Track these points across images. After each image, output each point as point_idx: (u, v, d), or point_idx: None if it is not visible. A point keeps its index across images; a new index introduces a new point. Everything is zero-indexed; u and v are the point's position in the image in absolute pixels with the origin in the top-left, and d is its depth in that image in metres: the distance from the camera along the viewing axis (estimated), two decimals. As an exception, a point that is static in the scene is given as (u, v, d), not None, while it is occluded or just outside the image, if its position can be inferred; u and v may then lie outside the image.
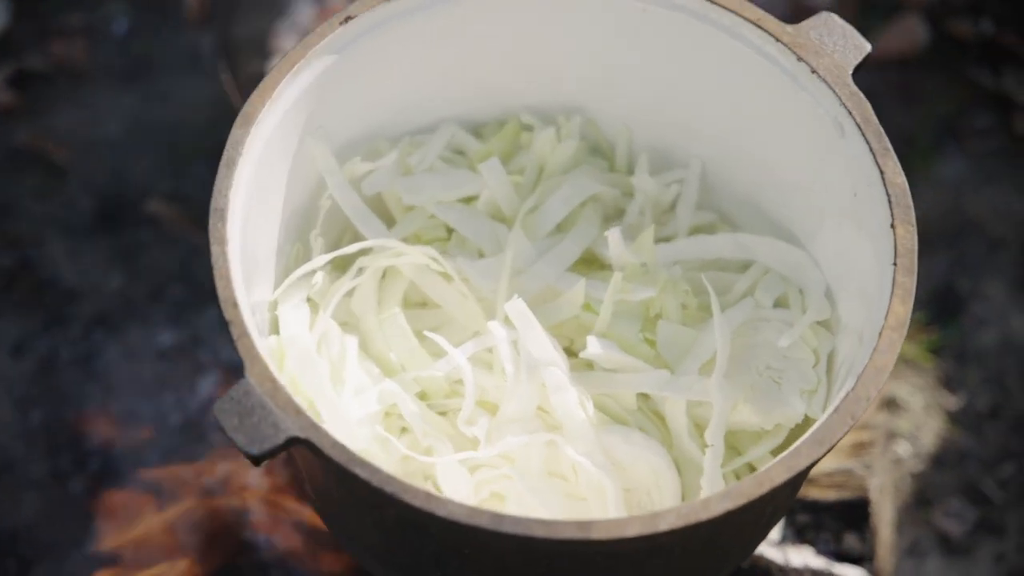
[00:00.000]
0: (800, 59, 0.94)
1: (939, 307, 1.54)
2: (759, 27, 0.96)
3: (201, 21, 1.71)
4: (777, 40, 0.95)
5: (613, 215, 1.08)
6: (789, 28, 0.96)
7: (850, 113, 0.92)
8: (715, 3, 0.97)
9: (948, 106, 1.68)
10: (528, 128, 1.08)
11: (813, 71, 0.94)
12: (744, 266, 1.03)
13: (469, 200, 1.04)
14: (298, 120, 0.95)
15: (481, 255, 1.02)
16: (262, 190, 0.93)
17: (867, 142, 0.91)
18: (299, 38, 1.50)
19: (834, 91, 0.93)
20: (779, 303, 0.99)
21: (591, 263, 1.04)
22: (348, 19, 0.96)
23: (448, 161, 1.06)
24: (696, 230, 1.07)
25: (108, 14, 1.74)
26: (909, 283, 0.84)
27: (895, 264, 0.85)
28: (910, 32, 1.69)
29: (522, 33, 1.02)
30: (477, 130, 1.09)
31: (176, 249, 1.57)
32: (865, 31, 1.70)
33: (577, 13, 1.01)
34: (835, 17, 0.96)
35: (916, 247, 0.86)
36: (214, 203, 0.87)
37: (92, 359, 1.49)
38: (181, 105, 1.67)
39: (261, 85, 0.92)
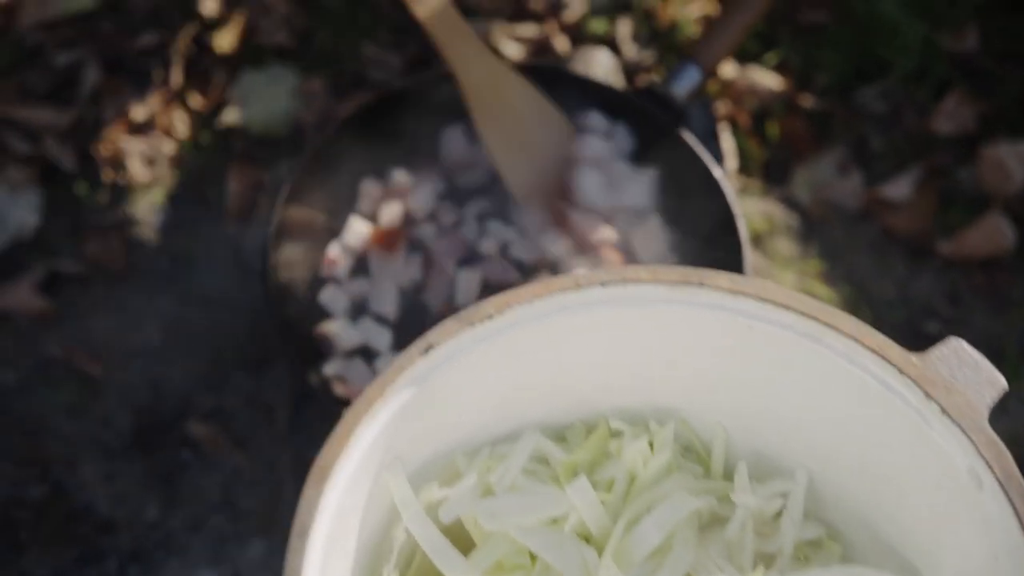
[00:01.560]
0: (928, 396, 0.86)
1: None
2: (880, 356, 0.88)
3: (243, 214, 1.64)
4: (901, 372, 0.87)
5: (708, 522, 1.01)
6: (915, 359, 0.88)
7: (989, 465, 0.84)
8: (831, 327, 0.89)
9: (1038, 312, 1.60)
10: (617, 434, 1.00)
11: (944, 412, 0.86)
12: (859, 598, 0.95)
13: (555, 521, 0.96)
14: (373, 459, 0.88)
15: (569, 584, 0.94)
16: (334, 542, 0.85)
17: (1011, 503, 0.82)
18: (351, 258, 1.43)
19: (970, 437, 0.85)
20: (900, 649, 0.92)
21: (689, 588, 0.96)
22: (429, 348, 0.88)
23: (531, 473, 0.99)
24: (802, 546, 0.99)
25: (145, 208, 1.66)
26: None
27: (1050, 660, 0.77)
28: (995, 231, 1.61)
29: (616, 346, 0.95)
30: (560, 433, 1.02)
31: (217, 473, 1.50)
32: (946, 227, 1.64)
33: (676, 328, 0.93)
34: (965, 346, 0.89)
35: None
36: (286, 581, 0.80)
37: (128, 599, 1.41)
38: (222, 307, 1.60)
39: (335, 434, 0.85)
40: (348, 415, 0.86)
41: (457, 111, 1.42)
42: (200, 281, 1.63)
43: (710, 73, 1.44)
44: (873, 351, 0.89)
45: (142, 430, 1.53)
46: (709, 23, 1.44)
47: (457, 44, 1.34)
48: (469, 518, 0.96)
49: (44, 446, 1.51)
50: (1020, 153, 1.65)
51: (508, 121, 1.36)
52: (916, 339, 1.58)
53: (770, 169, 1.70)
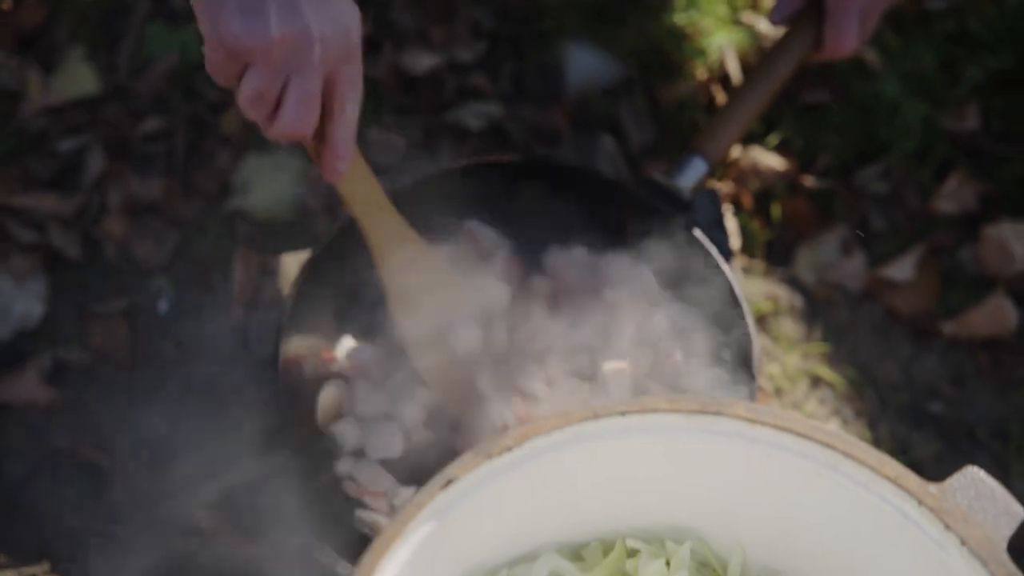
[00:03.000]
0: (948, 528, 0.87)
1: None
2: (899, 486, 0.89)
3: (249, 300, 1.64)
4: (920, 504, 0.88)
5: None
6: (933, 489, 0.89)
7: (1009, 597, 0.84)
8: (849, 456, 0.90)
9: (1042, 394, 1.61)
10: (633, 553, 1.01)
11: (963, 543, 0.86)
12: None
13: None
14: (396, 593, 0.88)
15: None
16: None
17: (1031, 635, 0.83)
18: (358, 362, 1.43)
19: (990, 571, 0.85)
20: None
21: None
22: (449, 483, 0.89)
23: (548, 594, 0.99)
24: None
25: (150, 294, 1.67)
26: None
27: None
28: (999, 312, 1.62)
29: (634, 471, 0.96)
30: (577, 552, 1.02)
31: (226, 563, 1.49)
32: (949, 308, 1.64)
33: (694, 455, 0.94)
34: (982, 475, 0.89)
35: None
36: None
37: None
38: (228, 395, 1.60)
39: (361, 569, 0.85)
40: (369, 555, 0.86)
41: (474, 203, 1.42)
42: (206, 368, 1.62)
43: (716, 165, 1.44)
44: (891, 481, 0.90)
45: (150, 522, 1.52)
46: (714, 113, 1.44)
47: (380, 225, 1.27)
48: (489, 644, 0.97)
49: (51, 540, 1.50)
50: (1022, 233, 1.66)
51: (426, 308, 1.32)
52: (920, 421, 1.59)
53: (773, 249, 1.71)
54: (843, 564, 0.97)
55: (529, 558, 1.01)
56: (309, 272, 1.39)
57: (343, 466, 1.36)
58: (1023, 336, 1.64)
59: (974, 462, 1.54)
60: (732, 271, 1.39)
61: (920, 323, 1.65)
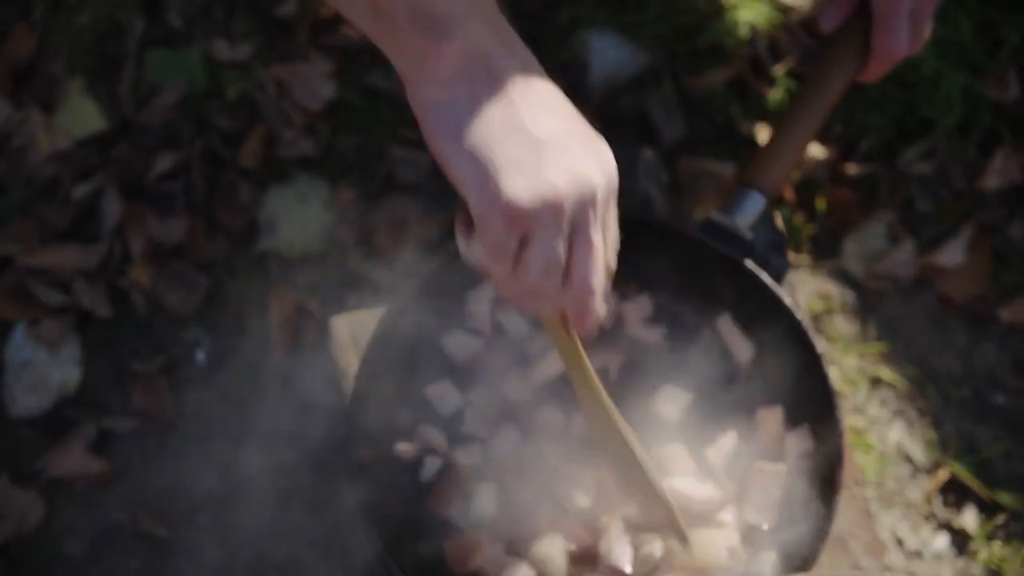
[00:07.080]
0: None
1: None
2: None
3: (289, 342, 1.53)
4: None
5: None
6: None
7: None
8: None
9: (1101, 377, 1.52)
10: None
11: None
12: None
13: None
14: None
15: None
16: None
17: None
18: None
19: None
20: None
21: None
22: None
23: None
24: None
25: (186, 346, 1.54)
26: None
27: None
28: (1056, 295, 1.52)
29: None
30: None
31: (298, 627, 1.41)
32: (1003, 289, 1.53)
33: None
34: None
35: None
36: None
37: None
38: (280, 445, 1.49)
39: None
40: None
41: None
42: (254, 419, 1.51)
43: (775, 197, 1.31)
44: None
45: (219, 593, 1.43)
46: (766, 145, 1.30)
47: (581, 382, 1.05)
48: None
49: (120, 621, 1.42)
50: (1074, 206, 1.55)
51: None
52: (984, 414, 1.50)
53: (819, 242, 1.59)
54: None
55: None
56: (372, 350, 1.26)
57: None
58: (1077, 319, 1.54)
59: (1042, 455, 1.46)
60: (797, 306, 1.27)
61: (975, 309, 1.55)
